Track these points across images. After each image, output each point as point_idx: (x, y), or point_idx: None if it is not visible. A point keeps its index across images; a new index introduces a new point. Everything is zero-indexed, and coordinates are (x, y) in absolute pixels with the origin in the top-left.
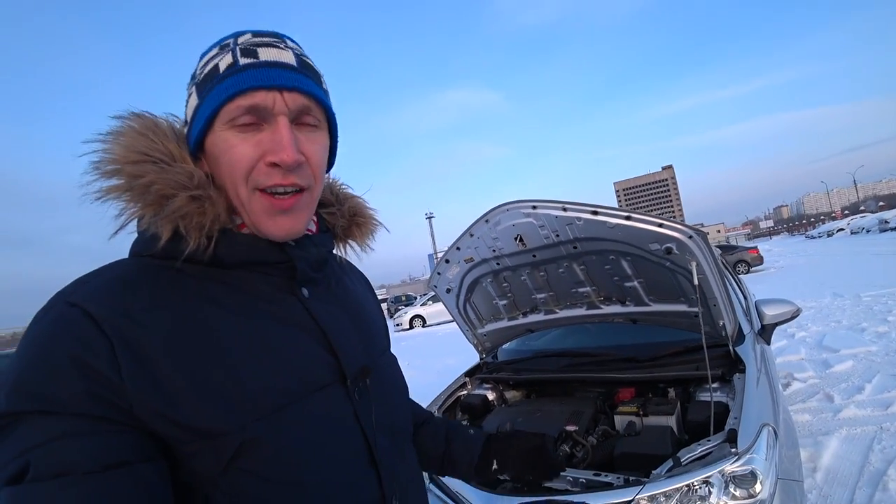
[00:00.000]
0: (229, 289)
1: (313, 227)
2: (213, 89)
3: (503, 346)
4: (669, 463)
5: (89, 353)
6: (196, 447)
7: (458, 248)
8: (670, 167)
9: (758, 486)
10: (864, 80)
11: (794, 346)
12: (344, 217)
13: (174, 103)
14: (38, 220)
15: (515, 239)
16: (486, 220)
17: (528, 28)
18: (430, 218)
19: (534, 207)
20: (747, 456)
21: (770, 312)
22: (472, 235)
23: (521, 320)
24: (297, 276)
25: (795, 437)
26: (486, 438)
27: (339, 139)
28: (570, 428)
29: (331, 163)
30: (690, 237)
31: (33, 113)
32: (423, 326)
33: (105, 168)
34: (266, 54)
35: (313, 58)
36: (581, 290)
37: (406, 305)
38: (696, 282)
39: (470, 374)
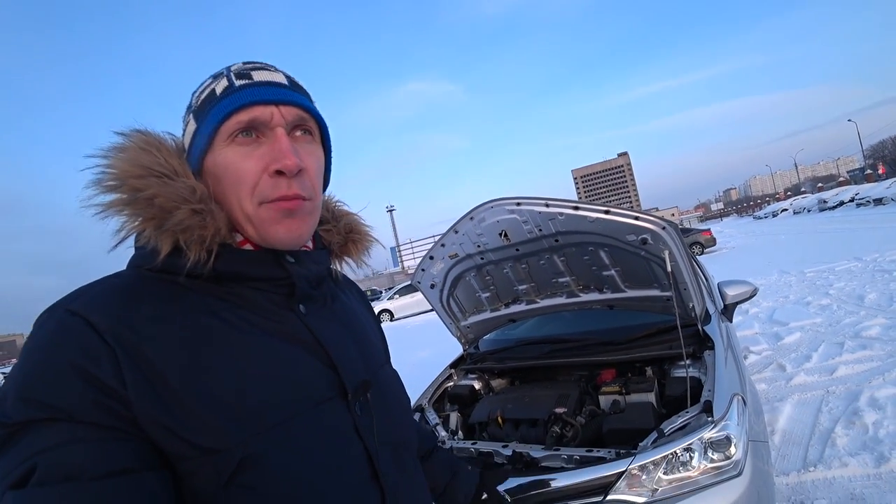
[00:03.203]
0: (228, 304)
1: (310, 244)
2: (212, 110)
3: (484, 337)
4: (654, 435)
5: (92, 363)
6: (197, 463)
7: (442, 245)
8: (626, 154)
9: (732, 449)
10: (802, 70)
11: (749, 322)
12: (340, 234)
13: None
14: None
15: (500, 234)
16: (471, 218)
17: (485, 18)
18: (391, 211)
19: (518, 204)
20: (722, 423)
21: (731, 293)
22: (456, 232)
23: (503, 311)
24: (295, 292)
25: (760, 404)
26: (480, 474)
27: (332, 156)
28: (560, 410)
29: (326, 180)
30: (664, 228)
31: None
32: (392, 321)
33: (107, 182)
34: (259, 76)
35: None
36: (561, 280)
37: (372, 300)
38: (669, 269)
39: (454, 365)
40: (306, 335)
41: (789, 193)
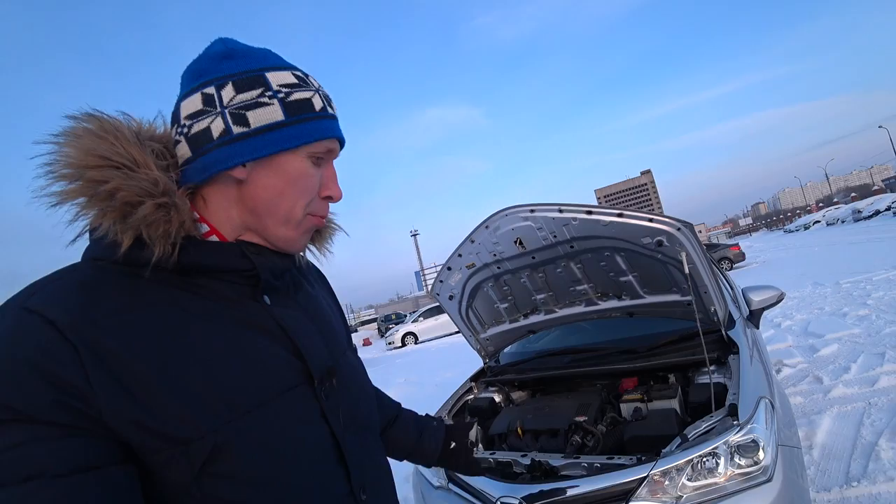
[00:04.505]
0: (194, 295)
1: None
2: (312, 122)
3: (504, 351)
4: (678, 440)
5: (53, 362)
6: (168, 455)
7: (459, 255)
8: (649, 172)
9: (761, 454)
10: (829, 79)
11: (782, 335)
12: None
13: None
14: None
15: (515, 242)
16: (487, 226)
17: (505, 43)
18: (415, 235)
19: (532, 211)
20: (749, 426)
21: (756, 298)
22: (473, 242)
23: (522, 322)
24: (259, 283)
25: (791, 412)
26: (446, 427)
27: None
28: (580, 419)
29: None
30: (679, 229)
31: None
32: (416, 343)
33: (61, 172)
34: (333, 109)
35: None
36: (579, 287)
37: (396, 324)
38: (686, 271)
39: (475, 378)
40: (272, 325)
41: (821, 205)
